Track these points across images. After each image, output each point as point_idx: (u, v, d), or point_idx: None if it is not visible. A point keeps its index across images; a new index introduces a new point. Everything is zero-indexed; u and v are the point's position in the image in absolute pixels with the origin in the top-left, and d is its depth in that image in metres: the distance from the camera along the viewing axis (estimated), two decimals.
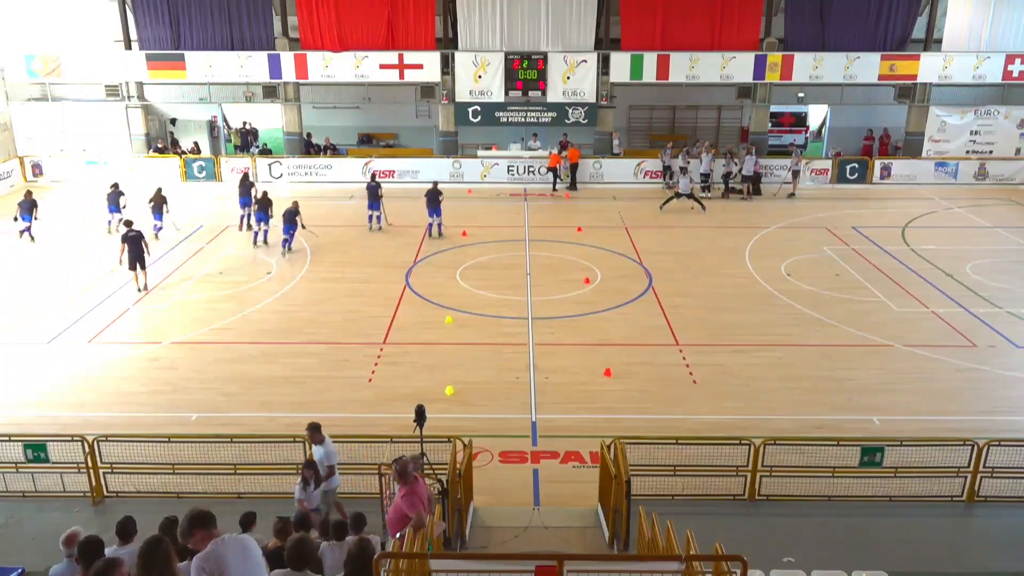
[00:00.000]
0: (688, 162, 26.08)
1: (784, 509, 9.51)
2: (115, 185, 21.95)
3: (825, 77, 27.23)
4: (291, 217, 19.82)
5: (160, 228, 21.01)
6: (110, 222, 21.37)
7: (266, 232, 20.55)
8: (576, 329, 15.70)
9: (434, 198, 21.33)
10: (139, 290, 17.39)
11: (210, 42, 27.14)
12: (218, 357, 14.39)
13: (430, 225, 21.54)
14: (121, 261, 17.31)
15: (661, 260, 19.71)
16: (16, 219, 20.64)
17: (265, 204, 20.70)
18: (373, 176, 23.57)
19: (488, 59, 26.86)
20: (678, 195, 24.10)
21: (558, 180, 26.91)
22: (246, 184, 22.16)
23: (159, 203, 21.13)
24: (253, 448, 10.13)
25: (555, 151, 27.12)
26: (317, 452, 9.27)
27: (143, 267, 17.39)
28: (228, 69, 27.17)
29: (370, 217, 22.11)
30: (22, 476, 10.11)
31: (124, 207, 21.39)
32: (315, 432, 9.26)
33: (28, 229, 20.62)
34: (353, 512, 7.46)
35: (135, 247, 17.12)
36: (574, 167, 26.88)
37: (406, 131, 31.35)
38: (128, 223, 17.62)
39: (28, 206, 20.65)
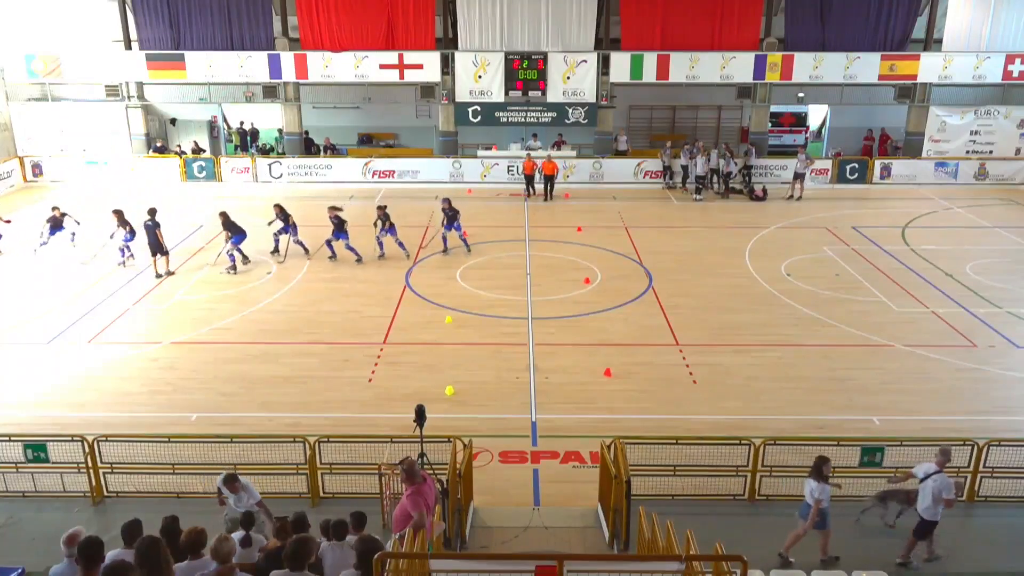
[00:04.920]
0: (689, 160, 26.16)
1: (784, 509, 9.49)
2: (56, 208, 20.03)
3: (825, 77, 27.22)
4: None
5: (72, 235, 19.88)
6: (44, 244, 19.55)
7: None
8: (576, 329, 15.69)
9: (453, 216, 19.76)
10: (156, 276, 18.26)
11: (210, 42, 27.15)
12: (218, 357, 14.39)
13: (445, 237, 20.10)
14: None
15: (661, 260, 19.71)
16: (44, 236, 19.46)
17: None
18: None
19: (488, 59, 26.85)
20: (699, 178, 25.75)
21: (531, 189, 26.07)
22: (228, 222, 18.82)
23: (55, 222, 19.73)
24: (253, 448, 10.12)
25: (533, 155, 26.56)
26: (240, 499, 8.37)
27: (153, 254, 18.24)
28: (228, 69, 27.17)
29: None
30: (22, 476, 10.10)
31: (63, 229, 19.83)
32: (233, 482, 8.39)
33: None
34: (354, 511, 7.45)
35: (148, 235, 18.08)
36: (549, 179, 25.77)
37: (406, 131, 31.34)
38: (151, 211, 18.22)
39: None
